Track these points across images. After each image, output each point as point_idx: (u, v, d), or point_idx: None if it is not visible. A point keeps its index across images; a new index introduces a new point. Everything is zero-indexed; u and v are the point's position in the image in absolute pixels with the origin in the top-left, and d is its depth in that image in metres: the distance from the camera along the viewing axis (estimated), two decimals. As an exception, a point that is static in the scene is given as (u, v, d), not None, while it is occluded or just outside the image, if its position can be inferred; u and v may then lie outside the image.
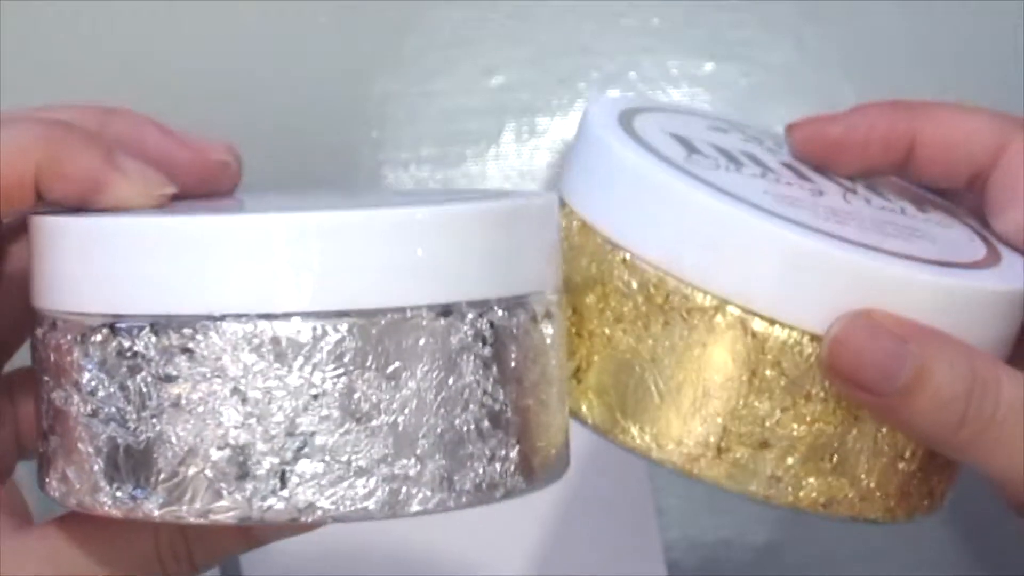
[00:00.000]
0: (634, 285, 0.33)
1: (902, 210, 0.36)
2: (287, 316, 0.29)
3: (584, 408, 0.34)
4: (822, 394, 0.33)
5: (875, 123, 0.36)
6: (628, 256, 0.33)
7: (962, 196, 0.38)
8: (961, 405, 0.32)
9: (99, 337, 0.29)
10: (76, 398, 0.30)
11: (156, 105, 0.56)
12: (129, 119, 0.35)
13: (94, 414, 0.30)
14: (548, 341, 0.32)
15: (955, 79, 0.54)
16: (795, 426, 0.33)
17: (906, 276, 0.32)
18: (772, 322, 0.32)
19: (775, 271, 0.32)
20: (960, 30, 0.55)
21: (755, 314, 0.32)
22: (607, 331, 0.33)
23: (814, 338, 0.32)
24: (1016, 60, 0.56)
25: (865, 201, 0.36)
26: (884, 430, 0.33)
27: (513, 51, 0.56)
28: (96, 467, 0.30)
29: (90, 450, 0.30)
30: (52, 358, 0.31)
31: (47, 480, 0.31)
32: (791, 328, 0.32)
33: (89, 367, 0.30)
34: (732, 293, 0.32)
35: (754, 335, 0.32)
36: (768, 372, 0.32)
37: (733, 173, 0.34)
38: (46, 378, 0.31)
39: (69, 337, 0.30)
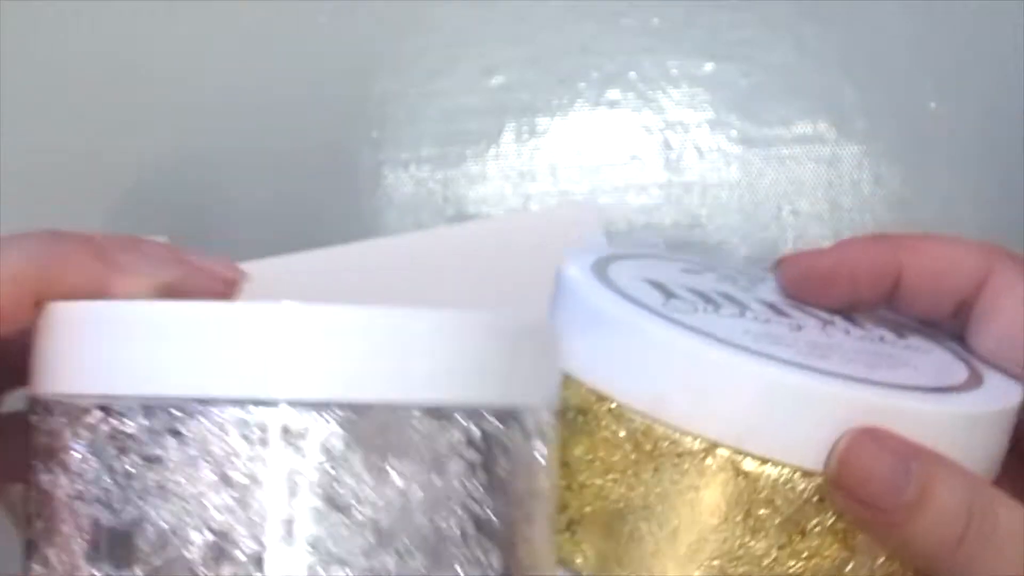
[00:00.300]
0: (622, 434, 0.33)
1: (881, 338, 0.37)
2: (277, 403, 0.29)
3: (579, 560, 0.34)
4: (817, 528, 0.33)
5: (862, 257, 0.37)
6: (614, 405, 0.33)
7: (941, 322, 0.39)
8: (962, 523, 0.32)
9: (91, 418, 0.30)
10: (64, 480, 0.30)
11: (156, 105, 0.56)
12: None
13: (79, 496, 0.30)
14: (539, 458, 0.32)
15: (955, 79, 0.54)
16: (792, 563, 0.33)
17: (894, 405, 0.33)
18: (763, 461, 0.32)
19: (762, 410, 0.32)
20: (960, 30, 0.55)
21: (745, 454, 0.32)
22: (598, 482, 0.34)
23: (806, 474, 0.32)
24: (1016, 60, 0.56)
25: (844, 332, 0.36)
26: (880, 560, 0.33)
27: (513, 51, 0.56)
28: (78, 548, 0.30)
29: (73, 531, 0.30)
30: (43, 442, 0.31)
31: (30, 566, 0.31)
32: (783, 465, 0.32)
33: (78, 448, 0.30)
34: (721, 435, 0.32)
35: (746, 475, 0.32)
36: (762, 511, 0.32)
37: (712, 315, 0.35)
38: (36, 463, 0.31)
39: (62, 419, 0.30)
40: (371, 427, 0.29)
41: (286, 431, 0.29)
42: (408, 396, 0.29)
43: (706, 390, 0.32)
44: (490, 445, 0.30)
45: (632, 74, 0.56)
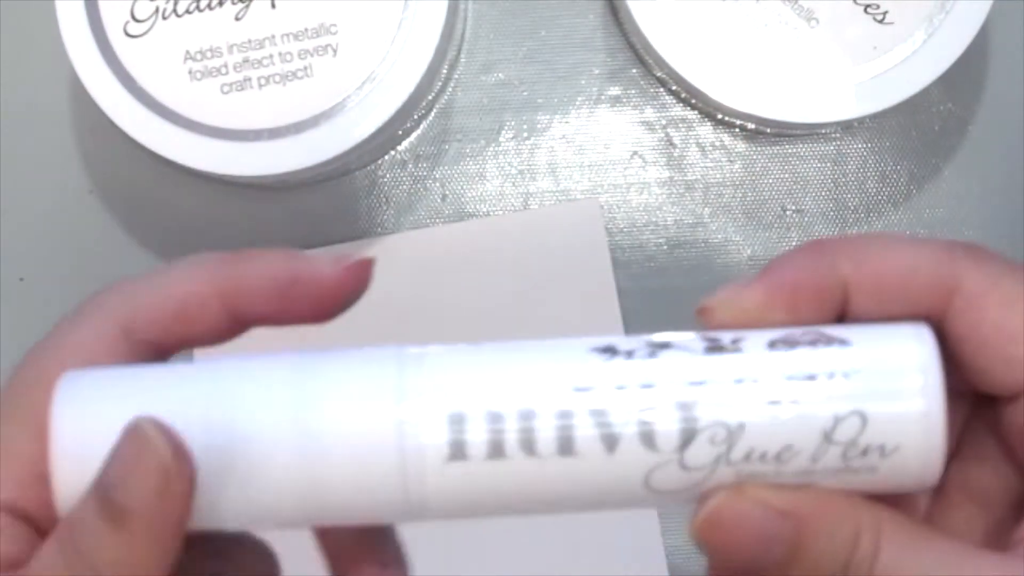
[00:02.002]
0: None
1: None
2: None
3: None
4: None
5: (797, 280, 0.32)
6: None
7: None
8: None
9: None
10: None
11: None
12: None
13: None
14: None
15: (962, 76, 0.53)
16: None
17: None
18: None
19: None
20: (965, 27, 0.54)
21: None
22: None
23: None
24: (1017, 60, 0.55)
25: None
26: None
27: (513, 48, 0.55)
28: None
29: None
30: None
31: None
32: None
33: None
34: None
35: None
36: None
37: None
38: None
39: None
40: None
41: None
42: None
43: None
44: None
45: (634, 71, 0.55)
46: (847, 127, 0.54)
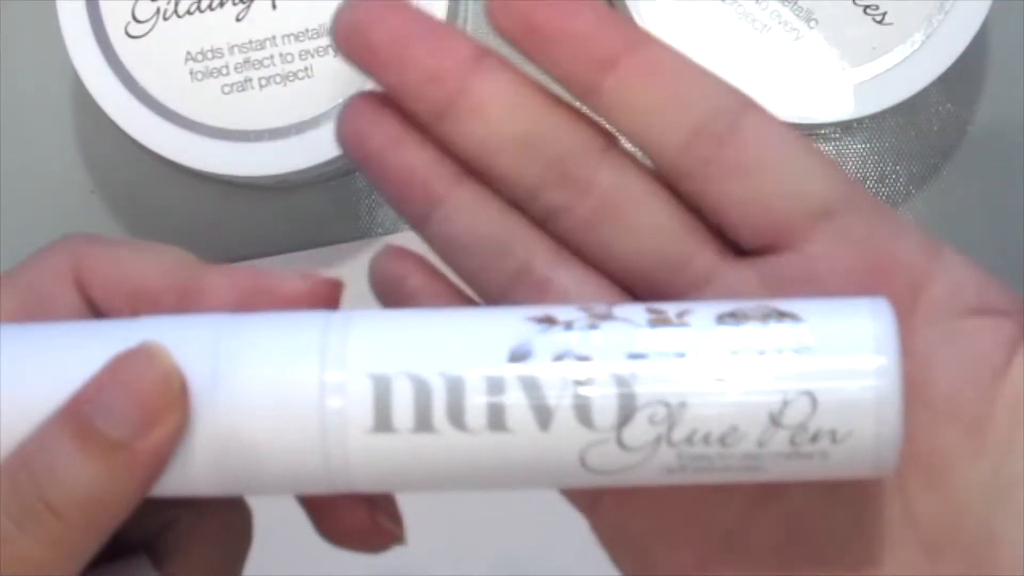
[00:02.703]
0: None
1: None
2: None
3: None
4: None
5: None
6: None
7: None
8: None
9: None
10: None
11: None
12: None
13: None
14: None
15: (961, 77, 0.53)
16: None
17: None
18: None
19: None
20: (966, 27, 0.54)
21: None
22: None
23: None
24: (1015, 60, 0.55)
25: None
26: None
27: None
28: None
29: None
30: None
31: None
32: None
33: None
34: None
35: None
36: None
37: None
38: None
39: None
40: None
41: None
42: None
43: None
44: None
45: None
46: (846, 127, 0.54)
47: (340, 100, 0.50)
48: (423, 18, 0.32)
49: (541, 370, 0.29)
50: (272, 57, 0.50)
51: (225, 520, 0.33)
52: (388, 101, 0.32)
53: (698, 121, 0.31)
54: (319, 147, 0.50)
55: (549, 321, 0.29)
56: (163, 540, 0.32)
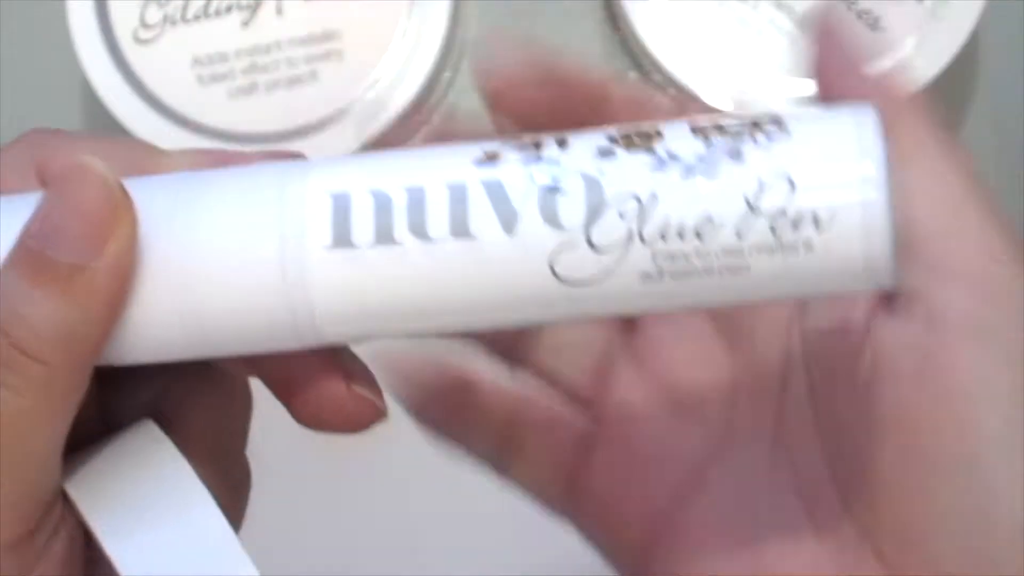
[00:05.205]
0: None
1: None
2: None
3: None
4: None
5: None
6: None
7: None
8: None
9: None
10: None
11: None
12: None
13: None
14: None
15: (958, 76, 0.54)
16: None
17: None
18: None
19: None
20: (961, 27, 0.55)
21: None
22: None
23: None
24: (1020, 57, 0.56)
25: None
26: None
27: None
28: None
29: None
30: None
31: None
32: None
33: None
34: None
35: None
36: None
37: None
38: None
39: None
40: None
41: None
42: None
43: None
44: None
45: (632, 74, 0.56)
46: (840, 131, 0.55)
47: (343, 104, 0.51)
48: None
49: (505, 173, 0.27)
50: (277, 62, 0.51)
51: (218, 386, 0.32)
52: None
53: None
54: (324, 151, 0.51)
55: (518, 144, 0.28)
56: (159, 412, 0.31)
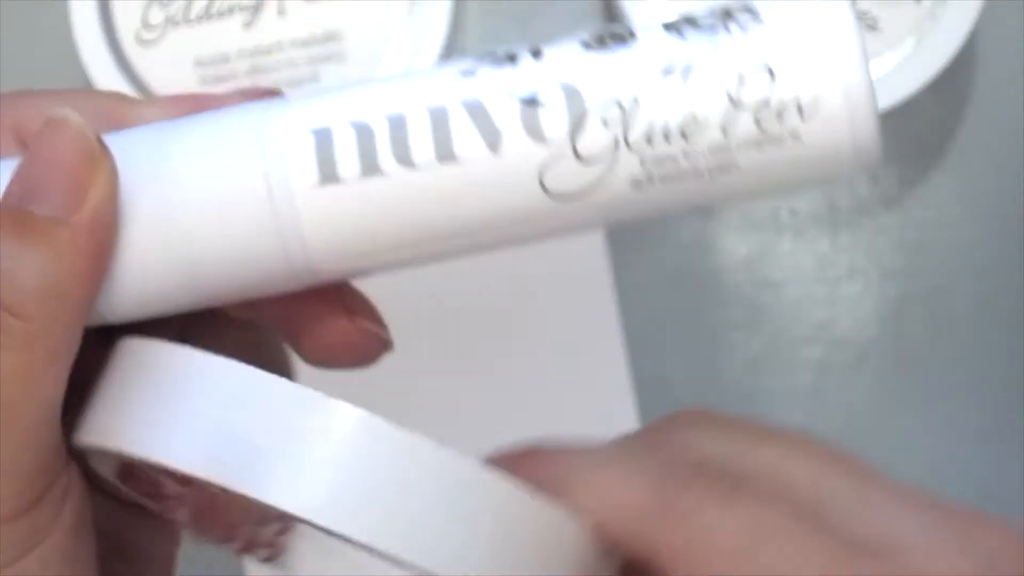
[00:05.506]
0: None
1: None
2: None
3: None
4: None
5: None
6: None
7: None
8: None
9: None
10: None
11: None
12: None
13: None
14: None
15: (952, 77, 0.54)
16: None
17: None
18: None
19: None
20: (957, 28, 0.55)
21: None
22: None
23: None
24: (1016, 59, 0.56)
25: None
26: None
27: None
28: None
29: None
30: None
31: None
32: None
33: None
34: None
35: None
36: None
37: None
38: None
39: None
40: None
41: None
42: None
43: None
44: None
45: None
46: (839, 131, 0.55)
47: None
48: None
49: (484, 90, 0.27)
50: (279, 63, 0.52)
51: (240, 341, 0.31)
52: None
53: None
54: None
55: (493, 58, 0.28)
56: None
